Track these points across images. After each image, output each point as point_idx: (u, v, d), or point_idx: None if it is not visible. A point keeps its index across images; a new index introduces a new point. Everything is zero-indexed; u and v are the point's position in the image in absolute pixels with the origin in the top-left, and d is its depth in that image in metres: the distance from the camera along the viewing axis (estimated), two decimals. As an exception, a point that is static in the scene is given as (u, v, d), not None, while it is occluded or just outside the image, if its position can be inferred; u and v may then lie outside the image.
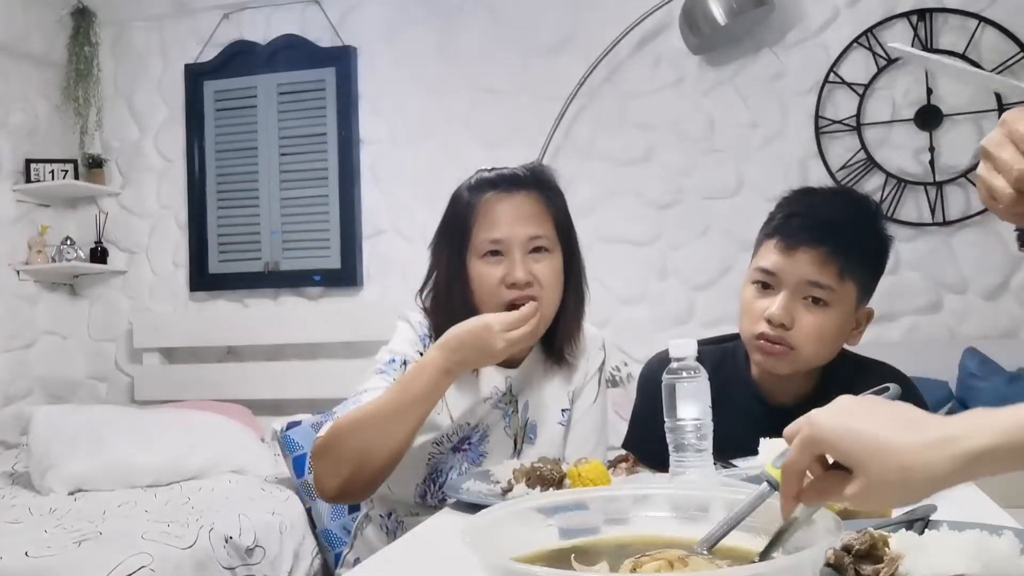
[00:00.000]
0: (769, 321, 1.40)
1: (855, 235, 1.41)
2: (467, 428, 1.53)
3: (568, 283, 1.53)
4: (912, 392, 1.45)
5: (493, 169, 1.52)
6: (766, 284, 1.43)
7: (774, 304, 1.40)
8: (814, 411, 0.71)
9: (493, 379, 1.53)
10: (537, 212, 1.47)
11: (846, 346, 1.48)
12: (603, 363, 1.62)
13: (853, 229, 1.41)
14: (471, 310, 1.46)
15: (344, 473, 1.36)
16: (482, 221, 1.45)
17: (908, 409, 0.70)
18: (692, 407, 1.18)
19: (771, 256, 1.42)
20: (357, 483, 1.38)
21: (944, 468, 0.64)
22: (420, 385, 1.35)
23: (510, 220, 1.45)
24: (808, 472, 0.71)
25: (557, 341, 1.55)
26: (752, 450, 1.24)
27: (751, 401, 1.50)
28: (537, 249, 1.46)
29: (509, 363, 1.54)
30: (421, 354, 1.48)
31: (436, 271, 1.53)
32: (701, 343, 1.54)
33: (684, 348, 1.19)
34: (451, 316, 1.45)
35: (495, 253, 1.45)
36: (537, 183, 1.50)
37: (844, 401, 0.72)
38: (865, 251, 1.42)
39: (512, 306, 1.43)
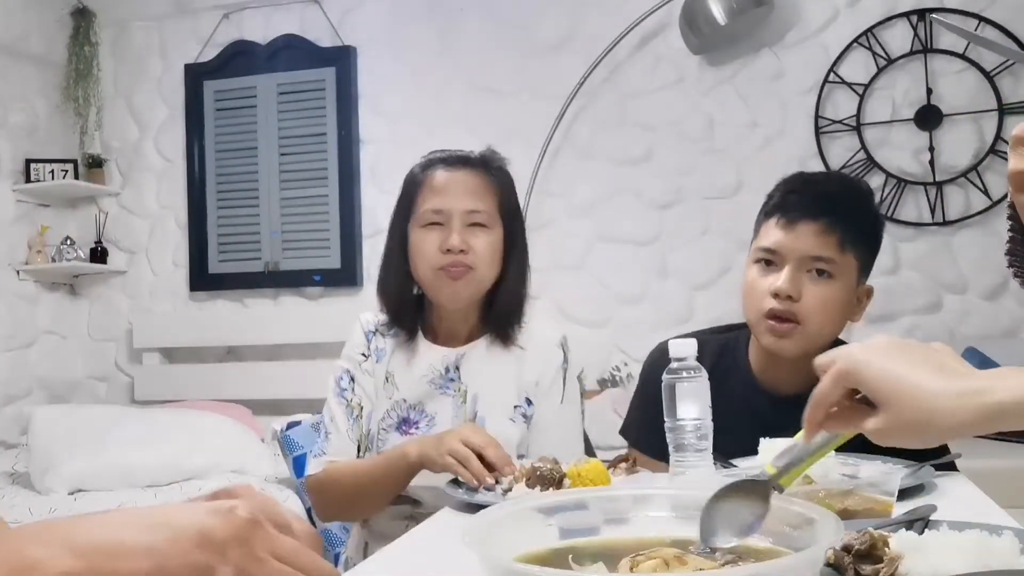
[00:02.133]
0: (776, 295, 1.42)
1: (852, 209, 1.45)
2: (404, 406, 1.57)
3: (510, 259, 1.59)
4: None
5: (445, 151, 1.61)
6: (769, 262, 1.46)
7: (780, 279, 1.43)
8: (849, 345, 0.74)
9: (432, 357, 1.59)
10: (480, 188, 1.55)
11: (850, 322, 1.50)
12: (565, 361, 1.62)
13: (850, 203, 1.46)
14: (408, 277, 1.57)
15: (332, 513, 1.64)
16: (426, 192, 1.55)
17: (942, 355, 0.72)
18: (692, 407, 1.18)
19: (772, 234, 1.46)
20: (345, 519, 1.74)
21: (969, 417, 0.66)
22: (390, 472, 1.46)
23: (452, 192, 1.53)
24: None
25: (495, 315, 1.60)
26: (752, 441, 1.24)
27: (751, 392, 1.51)
28: (476, 224, 1.54)
29: (447, 341, 1.60)
30: (364, 355, 1.60)
31: (385, 247, 1.65)
32: (702, 333, 1.58)
33: (684, 348, 1.19)
34: (389, 285, 1.59)
35: (435, 224, 1.53)
36: (484, 163, 1.58)
37: (880, 339, 0.73)
38: (862, 225, 1.46)
39: (446, 269, 1.50)
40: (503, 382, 1.58)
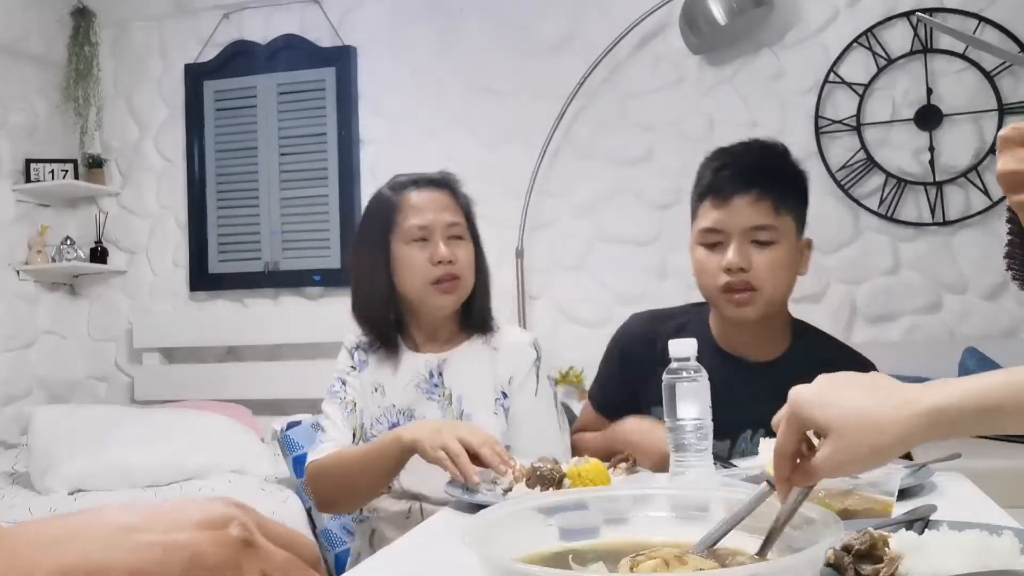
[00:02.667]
0: (728, 270, 1.50)
1: (778, 172, 1.55)
2: (395, 411, 1.66)
3: (478, 267, 1.70)
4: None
5: (408, 174, 1.73)
6: (714, 242, 1.54)
7: (728, 254, 1.51)
8: (795, 388, 0.75)
9: (416, 364, 1.68)
10: (451, 205, 1.68)
11: (801, 276, 1.59)
12: (538, 359, 1.71)
13: (775, 168, 1.55)
14: (393, 292, 1.65)
15: (329, 499, 1.65)
16: (408, 210, 1.64)
17: (879, 378, 0.75)
18: (692, 407, 1.18)
19: (710, 214, 1.54)
20: (343, 508, 1.74)
21: (910, 425, 0.70)
22: (383, 454, 1.50)
23: (432, 209, 1.64)
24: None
25: (474, 315, 1.71)
26: (725, 408, 1.26)
27: (720, 361, 1.55)
28: (455, 236, 1.65)
29: (427, 347, 1.70)
30: (352, 367, 1.70)
31: (356, 269, 1.71)
32: (665, 310, 1.72)
33: (685, 348, 1.20)
34: (374, 304, 1.66)
35: (421, 239, 1.63)
36: (447, 183, 1.71)
37: (822, 377, 0.76)
38: (790, 186, 1.55)
39: (439, 281, 1.61)
40: (482, 380, 1.67)
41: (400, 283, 1.65)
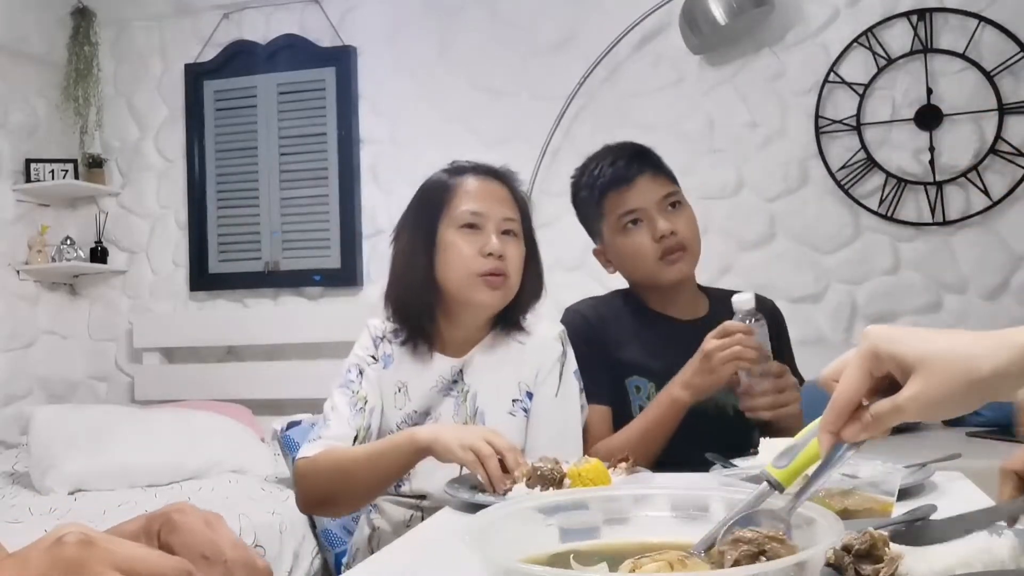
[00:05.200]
0: (662, 237, 1.67)
1: (648, 153, 1.77)
2: (415, 417, 1.57)
3: (528, 269, 1.61)
4: (780, 319, 1.81)
5: (468, 161, 1.64)
6: (635, 221, 1.69)
7: (657, 224, 1.67)
8: (870, 327, 0.70)
9: (441, 367, 1.58)
10: (508, 199, 1.59)
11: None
12: (563, 355, 1.62)
13: (644, 151, 1.77)
14: (433, 279, 1.54)
15: (320, 499, 1.50)
16: (462, 195, 1.55)
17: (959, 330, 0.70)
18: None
19: (624, 199, 1.70)
20: (333, 510, 1.63)
21: (1008, 359, 0.64)
22: (392, 453, 1.40)
23: (488, 198, 1.55)
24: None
25: (511, 316, 1.62)
26: (668, 358, 1.56)
27: (658, 322, 1.76)
28: (507, 232, 1.56)
29: (455, 351, 1.60)
30: (374, 358, 1.59)
31: (398, 252, 1.60)
32: (585, 301, 1.84)
33: (746, 300, 1.52)
34: (412, 289, 1.55)
35: (472, 226, 1.53)
36: (507, 177, 1.63)
37: (895, 326, 0.72)
38: (662, 161, 1.77)
39: (486, 275, 1.51)
40: (504, 378, 1.59)
41: (442, 271, 1.53)
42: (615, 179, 1.71)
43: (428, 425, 1.48)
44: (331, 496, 1.47)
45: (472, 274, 1.51)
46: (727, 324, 1.51)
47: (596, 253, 1.83)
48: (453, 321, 1.59)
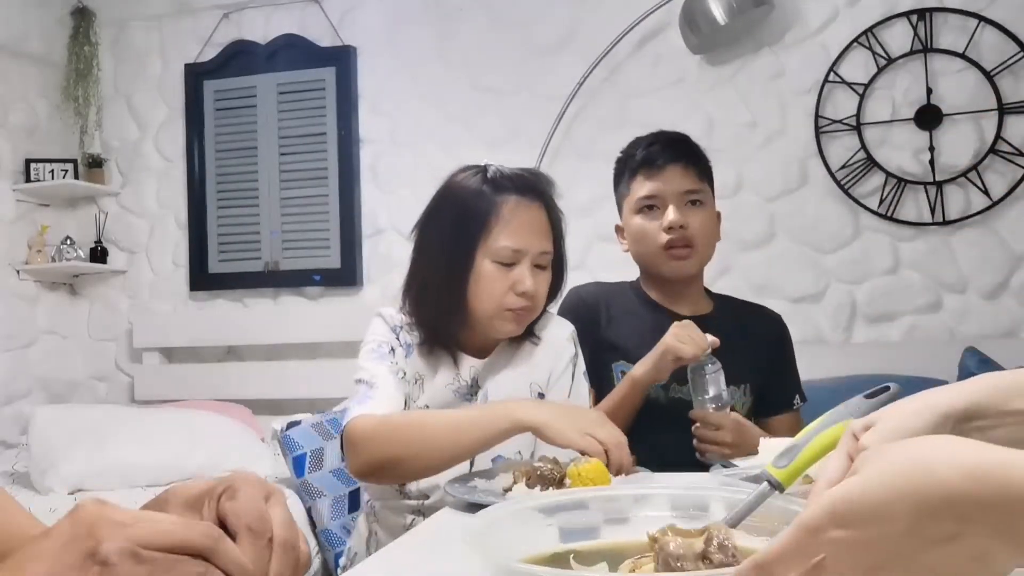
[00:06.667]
0: (670, 229, 1.69)
1: (694, 148, 1.80)
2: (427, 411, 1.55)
3: (551, 288, 1.59)
4: (785, 333, 1.83)
5: (508, 168, 1.56)
6: (650, 207, 1.73)
7: (668, 214, 1.70)
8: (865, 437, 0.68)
9: (461, 369, 1.58)
10: (547, 228, 1.54)
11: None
12: (575, 355, 1.63)
13: (689, 144, 1.81)
14: (463, 306, 1.51)
15: (385, 461, 1.39)
16: (504, 226, 1.49)
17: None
18: None
19: (646, 184, 1.74)
20: (393, 475, 1.45)
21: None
22: (482, 424, 1.36)
23: (529, 232, 1.51)
24: None
25: (528, 325, 1.61)
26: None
27: (657, 313, 1.78)
28: (540, 266, 1.53)
29: (476, 352, 1.59)
30: (397, 342, 1.54)
31: (428, 259, 1.55)
32: (590, 284, 1.87)
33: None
34: (439, 306, 1.52)
35: (508, 262, 1.50)
36: (546, 196, 1.56)
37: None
38: (704, 161, 1.79)
39: (513, 309, 1.51)
40: (517, 379, 1.59)
41: (472, 297, 1.51)
42: (646, 161, 1.75)
43: (527, 402, 1.46)
44: (400, 459, 1.38)
45: (500, 308, 1.50)
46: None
47: (617, 228, 1.87)
48: (473, 329, 1.57)
